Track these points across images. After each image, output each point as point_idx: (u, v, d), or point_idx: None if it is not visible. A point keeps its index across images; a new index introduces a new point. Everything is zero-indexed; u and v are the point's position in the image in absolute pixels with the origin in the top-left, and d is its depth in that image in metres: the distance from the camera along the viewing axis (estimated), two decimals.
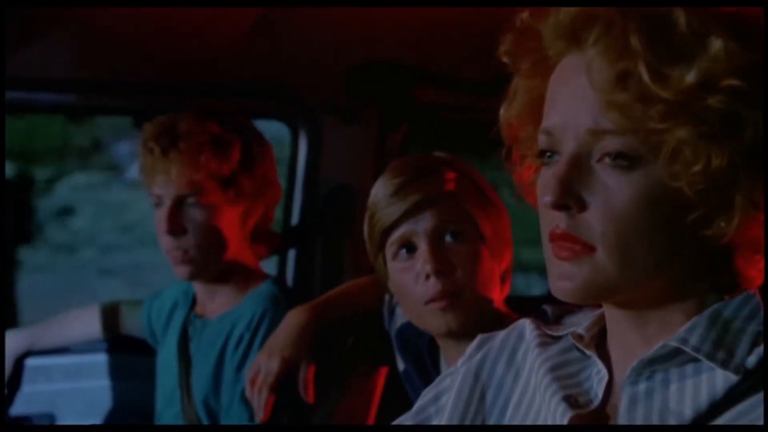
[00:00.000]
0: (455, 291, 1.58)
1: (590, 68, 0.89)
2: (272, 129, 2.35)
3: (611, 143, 0.89)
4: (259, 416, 1.84)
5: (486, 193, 1.66)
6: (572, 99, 0.91)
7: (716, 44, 0.86)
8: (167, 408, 2.13)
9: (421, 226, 1.60)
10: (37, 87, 2.19)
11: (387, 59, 2.31)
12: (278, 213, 2.31)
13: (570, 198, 0.90)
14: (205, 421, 2.05)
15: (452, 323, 1.58)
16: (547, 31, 0.94)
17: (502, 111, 1.03)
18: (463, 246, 1.60)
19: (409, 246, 1.62)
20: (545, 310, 1.52)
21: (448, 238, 1.60)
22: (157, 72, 2.24)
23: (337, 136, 2.39)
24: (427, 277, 1.58)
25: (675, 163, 0.87)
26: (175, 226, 2.02)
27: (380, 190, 1.64)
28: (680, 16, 0.87)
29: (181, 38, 2.14)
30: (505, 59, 0.99)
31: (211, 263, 2.07)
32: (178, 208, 2.02)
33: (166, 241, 2.04)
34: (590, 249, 0.90)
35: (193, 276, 2.08)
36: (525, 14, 0.96)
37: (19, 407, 2.26)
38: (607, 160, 0.89)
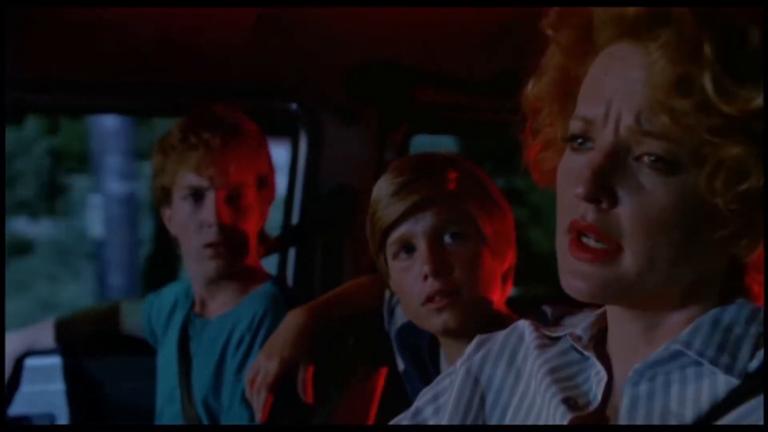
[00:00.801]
0: (453, 291, 1.58)
1: (652, 67, 0.86)
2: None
3: (654, 145, 0.87)
4: (259, 417, 1.84)
5: (490, 193, 1.65)
6: (620, 92, 0.89)
7: None
8: (167, 407, 2.13)
9: (421, 226, 1.60)
10: (36, 88, 2.19)
11: (387, 59, 2.31)
12: (278, 212, 2.31)
13: (603, 192, 0.88)
14: (205, 421, 2.05)
15: (450, 323, 1.58)
16: (603, 15, 0.91)
17: (529, 85, 1.00)
18: (463, 246, 1.60)
19: (408, 246, 1.61)
20: (545, 312, 1.52)
21: (447, 239, 1.60)
22: (157, 72, 2.24)
23: (337, 136, 2.39)
24: (426, 277, 1.58)
25: (717, 178, 0.86)
26: (227, 219, 2.01)
27: (381, 189, 1.64)
28: (755, 32, 0.85)
29: (181, 38, 2.14)
30: (547, 31, 0.97)
31: (239, 261, 2.07)
32: (227, 201, 2.02)
33: (207, 234, 2.01)
34: (613, 251, 0.89)
35: (223, 273, 2.06)
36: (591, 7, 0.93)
37: (19, 407, 2.26)
38: (645, 159, 0.87)
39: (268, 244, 2.22)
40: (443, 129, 2.85)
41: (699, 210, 0.87)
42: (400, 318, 1.85)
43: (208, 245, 2.02)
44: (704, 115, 0.84)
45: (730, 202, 0.86)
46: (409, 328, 1.79)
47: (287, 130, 2.43)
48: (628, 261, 0.88)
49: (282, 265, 2.43)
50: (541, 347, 1.04)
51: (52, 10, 1.98)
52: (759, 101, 0.83)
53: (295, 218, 2.42)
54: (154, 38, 2.13)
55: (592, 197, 0.88)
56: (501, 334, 1.11)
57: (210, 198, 2.00)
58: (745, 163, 0.85)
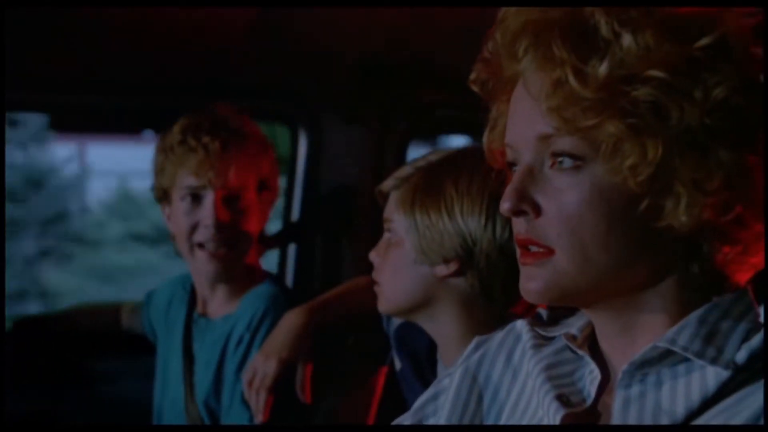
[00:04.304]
0: None
1: (525, 80, 0.94)
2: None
3: (557, 145, 0.93)
4: (259, 418, 1.84)
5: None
6: (523, 112, 0.96)
7: (627, 38, 0.89)
8: (171, 407, 2.13)
9: None
10: (38, 87, 2.19)
11: (387, 59, 2.31)
12: (278, 211, 2.31)
13: (524, 204, 0.95)
14: (206, 422, 2.05)
15: None
16: (503, 57, 0.98)
17: (484, 137, 1.07)
18: None
19: None
20: (540, 314, 1.52)
21: None
22: (157, 72, 2.24)
23: (337, 136, 2.39)
24: None
25: (613, 158, 0.90)
26: (225, 220, 2.01)
27: None
28: (601, 19, 0.90)
29: (181, 38, 2.14)
30: (474, 87, 1.05)
31: (237, 263, 2.07)
32: (225, 202, 2.02)
33: (204, 234, 2.02)
34: (549, 252, 0.94)
35: (221, 274, 2.06)
36: (489, 43, 1.00)
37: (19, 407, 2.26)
38: (556, 164, 0.93)
39: (267, 244, 2.23)
40: (443, 129, 2.85)
41: (614, 195, 0.92)
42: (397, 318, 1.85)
43: (202, 245, 2.03)
44: (572, 105, 0.90)
45: (633, 176, 0.90)
46: (406, 328, 1.79)
47: (287, 130, 2.43)
48: (563, 260, 0.94)
49: (282, 265, 2.44)
50: (537, 346, 1.07)
51: (51, 11, 1.99)
52: (602, 70, 0.89)
53: (295, 218, 2.42)
54: (154, 38, 2.13)
55: (514, 210, 0.95)
56: (499, 334, 1.13)
57: (208, 199, 2.00)
58: (627, 137, 0.89)
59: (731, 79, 0.89)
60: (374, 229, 2.35)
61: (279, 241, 2.37)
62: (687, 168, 0.89)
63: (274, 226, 2.28)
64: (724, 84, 0.89)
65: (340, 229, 2.41)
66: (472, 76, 1.04)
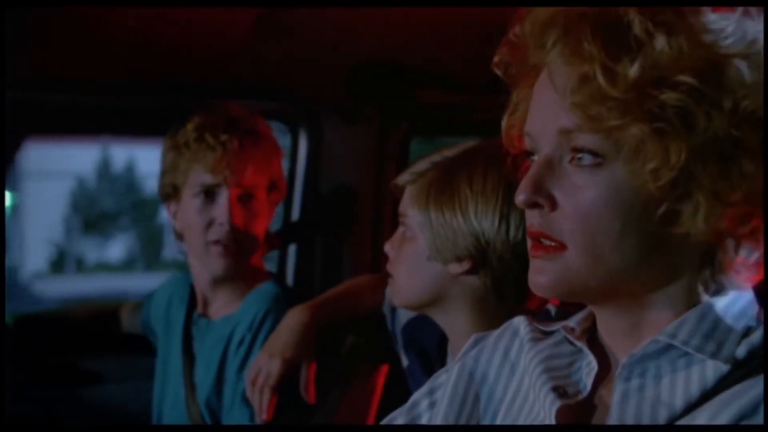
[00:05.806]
0: None
1: (551, 72, 0.93)
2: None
3: (579, 140, 0.92)
4: (262, 417, 1.84)
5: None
6: (545, 103, 0.95)
7: (660, 41, 0.88)
8: (171, 407, 2.13)
9: None
10: (38, 87, 2.19)
11: (387, 59, 2.31)
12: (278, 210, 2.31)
13: (540, 196, 0.93)
14: (208, 421, 2.05)
15: None
16: (530, 42, 0.96)
17: (503, 121, 1.05)
18: None
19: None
20: (548, 310, 1.53)
21: None
22: (157, 72, 2.24)
23: (337, 136, 2.39)
24: None
25: (635, 160, 0.89)
26: (239, 219, 2.02)
27: None
28: (635, 17, 0.89)
29: (180, 38, 2.14)
30: (497, 71, 1.03)
31: (246, 261, 2.07)
32: (239, 201, 2.02)
33: (218, 232, 2.02)
34: (561, 247, 0.93)
35: (230, 272, 2.06)
36: (517, 27, 0.98)
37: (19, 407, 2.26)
38: (576, 160, 0.92)
39: (271, 243, 2.23)
40: (443, 129, 2.85)
41: (632, 197, 0.91)
42: (404, 315, 1.85)
43: (218, 243, 2.03)
44: (602, 104, 0.89)
45: (654, 180, 0.89)
46: (415, 325, 1.79)
47: (287, 130, 2.43)
48: (574, 257, 0.93)
49: (282, 264, 2.44)
50: (535, 340, 1.07)
51: (51, 10, 1.98)
52: (633, 72, 0.88)
53: (295, 217, 2.42)
54: (153, 38, 2.13)
55: (529, 203, 0.94)
56: (496, 332, 1.13)
57: (223, 196, 2.01)
58: (651, 140, 0.88)
59: (760, 89, 0.88)
60: (374, 229, 2.36)
61: (280, 240, 2.37)
62: (709, 177, 0.89)
63: (273, 225, 2.28)
64: (753, 95, 0.88)
65: (340, 229, 2.41)
66: (496, 59, 1.02)
